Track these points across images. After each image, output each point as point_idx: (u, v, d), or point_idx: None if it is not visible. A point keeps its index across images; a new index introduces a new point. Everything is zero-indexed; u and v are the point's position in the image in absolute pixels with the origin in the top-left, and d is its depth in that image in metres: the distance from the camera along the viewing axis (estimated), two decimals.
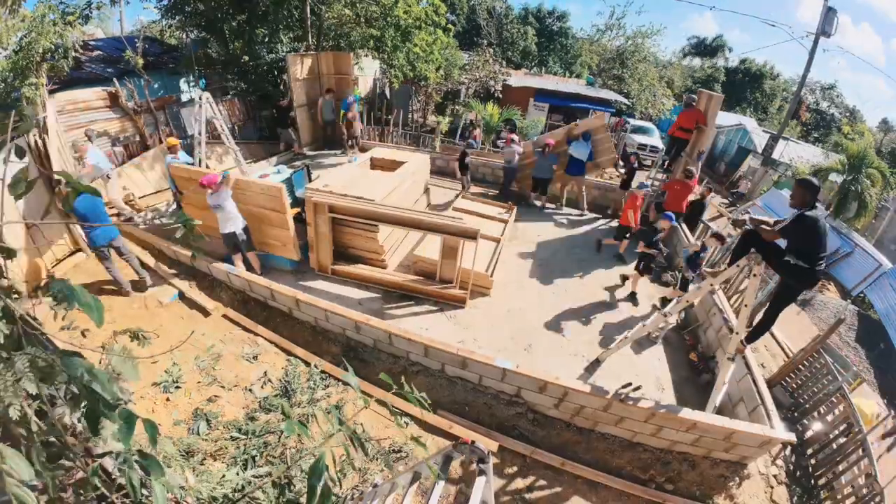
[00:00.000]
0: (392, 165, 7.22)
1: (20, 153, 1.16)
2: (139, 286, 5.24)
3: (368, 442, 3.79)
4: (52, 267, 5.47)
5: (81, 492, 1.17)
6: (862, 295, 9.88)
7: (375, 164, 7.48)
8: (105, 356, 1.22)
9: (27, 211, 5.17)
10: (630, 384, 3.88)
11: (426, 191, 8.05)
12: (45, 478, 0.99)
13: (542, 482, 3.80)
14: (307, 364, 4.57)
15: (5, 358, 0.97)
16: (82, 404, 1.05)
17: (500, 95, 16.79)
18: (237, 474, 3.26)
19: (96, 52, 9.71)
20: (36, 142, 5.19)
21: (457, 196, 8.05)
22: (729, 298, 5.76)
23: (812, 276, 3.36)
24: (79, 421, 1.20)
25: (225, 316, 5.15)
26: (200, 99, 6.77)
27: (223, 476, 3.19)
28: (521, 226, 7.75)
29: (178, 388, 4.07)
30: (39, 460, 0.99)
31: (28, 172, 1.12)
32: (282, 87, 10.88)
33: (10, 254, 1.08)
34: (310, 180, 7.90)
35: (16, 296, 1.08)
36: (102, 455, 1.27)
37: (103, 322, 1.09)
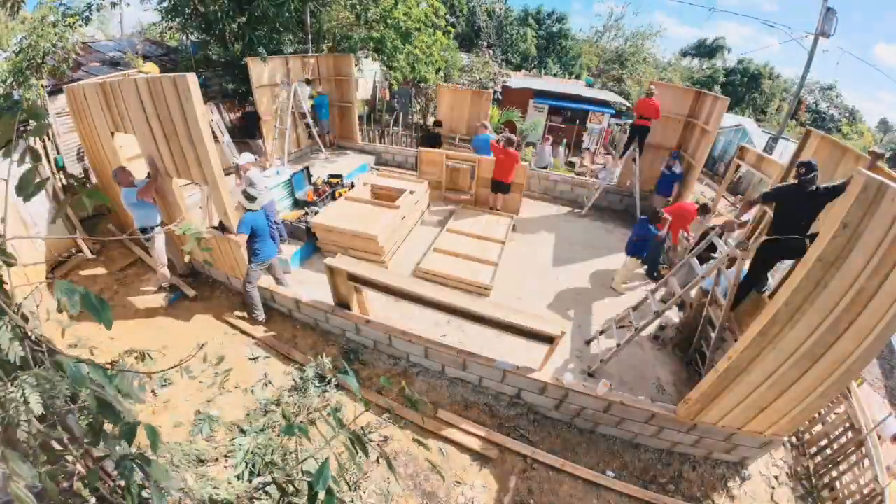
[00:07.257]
0: (392, 194, 7.08)
1: (36, 156, 1.09)
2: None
3: (370, 445, 3.78)
4: (51, 270, 5.47)
5: (80, 493, 1.17)
6: None
7: (375, 193, 7.37)
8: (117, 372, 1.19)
9: (31, 214, 5.19)
10: (630, 386, 3.88)
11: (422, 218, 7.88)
12: (45, 479, 0.99)
13: (542, 483, 3.79)
14: (308, 366, 4.56)
15: (13, 377, 0.96)
16: (87, 417, 1.04)
17: (500, 97, 16.83)
18: (237, 477, 3.26)
19: (97, 54, 9.73)
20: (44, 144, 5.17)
21: (450, 214, 7.72)
22: None
23: None
24: (77, 424, 1.20)
25: (223, 319, 5.15)
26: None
27: (228, 482, 3.19)
28: (521, 226, 7.75)
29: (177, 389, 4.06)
30: (39, 462, 0.98)
31: (37, 173, 1.08)
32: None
33: (10, 262, 1.06)
34: (309, 181, 7.89)
35: (23, 321, 1.05)
36: (102, 458, 1.26)
37: (112, 324, 1.06)
